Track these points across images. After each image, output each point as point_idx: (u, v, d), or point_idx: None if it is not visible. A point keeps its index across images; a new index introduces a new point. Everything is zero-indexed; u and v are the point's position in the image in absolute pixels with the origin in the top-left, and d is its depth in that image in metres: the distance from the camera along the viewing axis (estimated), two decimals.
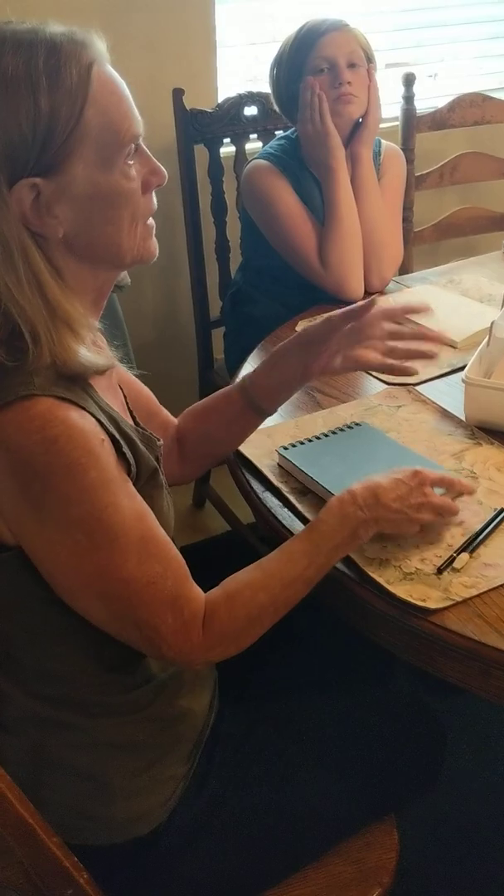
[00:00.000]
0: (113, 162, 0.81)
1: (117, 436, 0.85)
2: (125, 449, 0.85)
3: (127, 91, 0.83)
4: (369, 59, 1.66)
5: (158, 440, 0.97)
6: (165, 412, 1.18)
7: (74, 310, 0.82)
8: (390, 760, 1.07)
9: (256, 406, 1.11)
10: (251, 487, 1.16)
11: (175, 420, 1.18)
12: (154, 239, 0.90)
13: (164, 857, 0.96)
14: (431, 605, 0.92)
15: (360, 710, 1.10)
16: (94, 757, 0.94)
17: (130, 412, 1.01)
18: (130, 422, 0.95)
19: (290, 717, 1.07)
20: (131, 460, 0.87)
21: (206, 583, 1.08)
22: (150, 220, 0.89)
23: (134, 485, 0.87)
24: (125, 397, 1.02)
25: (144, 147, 0.85)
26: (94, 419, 0.81)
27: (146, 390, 1.15)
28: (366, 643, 1.10)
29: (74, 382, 0.82)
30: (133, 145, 0.83)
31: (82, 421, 0.79)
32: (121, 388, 1.02)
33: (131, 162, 0.83)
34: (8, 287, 0.78)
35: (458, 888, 1.41)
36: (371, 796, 1.05)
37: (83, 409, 0.80)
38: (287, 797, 1.00)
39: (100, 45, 0.81)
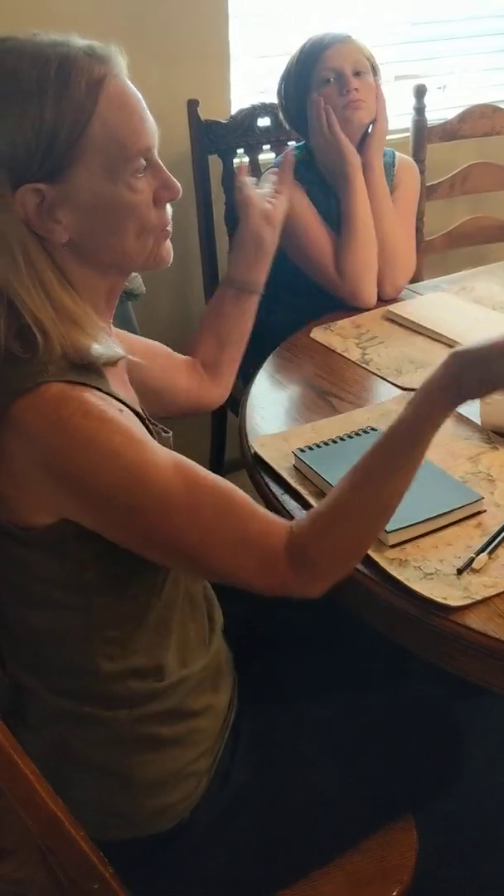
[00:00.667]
0: (118, 174, 0.84)
1: (133, 409, 0.87)
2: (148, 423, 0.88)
3: (141, 106, 0.85)
4: (374, 69, 1.68)
5: (167, 432, 1.00)
6: (178, 357, 1.24)
7: (79, 308, 0.85)
8: (408, 760, 1.08)
9: (246, 286, 1.24)
10: (269, 490, 1.17)
11: (190, 358, 1.25)
12: (168, 245, 0.93)
13: (187, 851, 0.97)
14: (452, 602, 0.93)
15: (377, 710, 1.11)
16: (117, 752, 0.95)
17: (143, 412, 1.03)
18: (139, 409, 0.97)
19: (308, 717, 1.08)
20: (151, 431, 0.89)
21: (221, 590, 1.10)
22: (168, 229, 0.91)
23: None
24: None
25: (159, 161, 0.88)
26: (109, 396, 0.83)
27: (156, 346, 1.21)
28: (383, 644, 1.11)
29: (88, 372, 0.84)
30: (142, 159, 0.85)
31: (96, 398, 0.81)
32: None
33: (140, 175, 0.86)
34: (13, 285, 0.81)
35: (473, 890, 1.42)
36: (389, 795, 1.06)
37: (97, 388, 0.82)
38: (308, 795, 1.01)
39: (118, 60, 0.84)
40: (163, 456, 0.84)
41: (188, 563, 0.88)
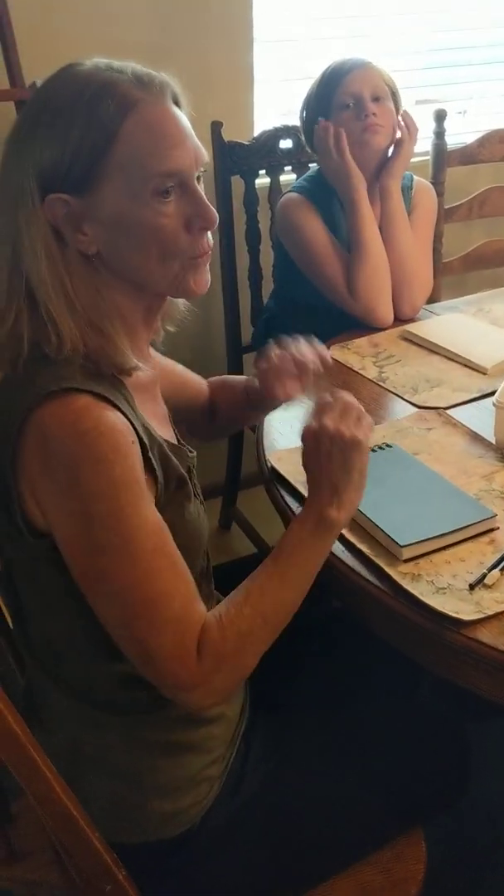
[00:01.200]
0: (140, 195, 0.86)
1: (145, 440, 0.88)
2: (151, 455, 0.89)
3: (178, 133, 0.87)
4: (394, 95, 1.71)
5: (191, 452, 1.02)
6: (197, 380, 1.30)
7: (104, 317, 0.88)
8: (418, 774, 1.09)
9: (253, 404, 1.26)
10: (286, 503, 1.19)
11: (205, 387, 1.31)
12: (202, 275, 0.93)
13: (197, 857, 0.98)
14: (464, 617, 0.94)
15: (387, 723, 1.12)
16: (130, 757, 0.97)
17: (173, 426, 1.05)
18: (171, 433, 1.00)
19: (319, 729, 1.10)
20: (157, 468, 0.90)
21: None
22: (203, 259, 0.91)
23: (163, 493, 0.91)
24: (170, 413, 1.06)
25: (197, 188, 0.89)
26: (126, 420, 0.85)
27: (175, 366, 1.25)
28: (393, 658, 1.13)
29: (113, 385, 0.87)
30: (168, 183, 0.86)
31: (115, 419, 0.83)
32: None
33: (167, 199, 0.87)
34: (37, 285, 0.85)
35: None
36: (399, 808, 1.07)
37: (118, 409, 0.85)
38: (318, 805, 1.03)
39: (164, 89, 0.87)
40: (148, 510, 0.85)
41: (119, 616, 0.86)
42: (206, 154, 0.90)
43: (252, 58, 2.11)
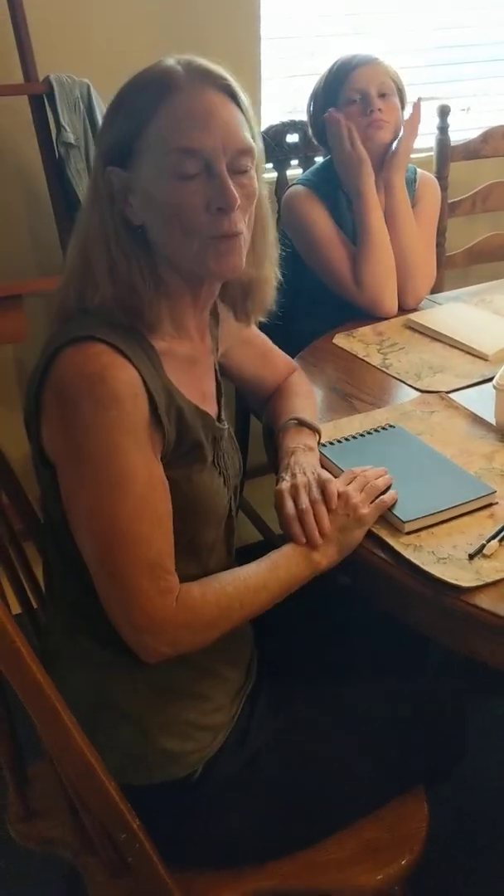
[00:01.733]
0: (164, 172, 0.92)
1: (161, 399, 0.94)
2: (162, 413, 0.94)
3: (205, 117, 0.92)
4: (400, 91, 1.76)
5: (221, 424, 1.08)
6: (280, 363, 1.39)
7: (136, 279, 0.96)
8: (418, 736, 1.14)
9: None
10: None
11: (283, 376, 1.38)
12: (227, 258, 0.97)
13: (202, 805, 1.03)
14: (464, 584, 0.99)
15: (388, 692, 1.17)
16: (135, 697, 1.02)
17: (218, 403, 1.12)
18: (213, 408, 1.07)
19: (323, 694, 1.14)
20: (168, 426, 0.95)
21: None
22: (226, 240, 0.95)
23: (170, 451, 0.96)
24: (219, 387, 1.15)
25: (223, 171, 0.93)
26: (138, 375, 0.91)
27: (264, 342, 1.35)
28: (397, 630, 1.18)
29: (139, 345, 0.95)
30: (191, 162, 0.91)
31: (122, 371, 0.90)
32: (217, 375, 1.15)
33: (190, 178, 0.92)
34: (89, 246, 0.96)
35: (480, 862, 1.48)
36: (402, 767, 1.11)
37: (132, 364, 0.91)
38: (323, 763, 1.07)
39: (209, 77, 0.94)
40: (142, 459, 0.91)
41: (100, 554, 0.92)
42: (243, 141, 0.94)
43: (259, 54, 2.16)
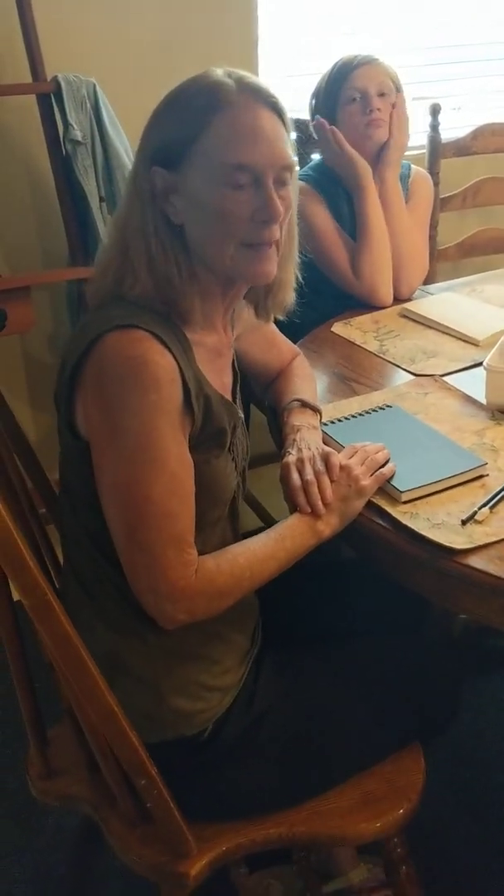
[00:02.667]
0: (215, 180, 1.00)
1: (192, 385, 1.01)
2: (193, 399, 1.01)
3: (257, 135, 1.00)
4: (398, 89, 1.83)
5: (240, 413, 1.15)
6: (284, 349, 1.45)
7: (173, 273, 1.03)
8: (416, 696, 1.21)
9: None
10: None
11: (287, 361, 1.44)
12: (260, 265, 1.05)
13: (212, 762, 1.09)
14: (457, 546, 1.06)
15: (388, 654, 1.24)
16: (147, 659, 1.08)
17: (233, 393, 1.19)
18: (227, 395, 1.13)
19: (326, 657, 1.21)
20: (197, 411, 1.02)
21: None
22: (263, 248, 1.03)
23: (197, 435, 1.03)
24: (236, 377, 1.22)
25: (269, 185, 1.01)
26: (175, 362, 0.98)
27: (273, 330, 1.41)
28: (392, 596, 1.25)
29: (175, 334, 1.02)
30: (242, 175, 0.99)
31: (161, 356, 0.97)
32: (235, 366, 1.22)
33: (239, 189, 1.00)
34: (129, 241, 1.03)
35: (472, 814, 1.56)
36: (398, 724, 1.18)
37: (170, 351, 0.98)
38: (327, 719, 1.14)
39: (260, 97, 1.01)
40: (174, 441, 0.99)
41: (130, 524, 0.98)
42: (287, 158, 1.03)
43: (257, 54, 2.23)
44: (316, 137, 1.94)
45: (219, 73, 1.02)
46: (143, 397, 0.95)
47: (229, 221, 1.01)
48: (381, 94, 1.78)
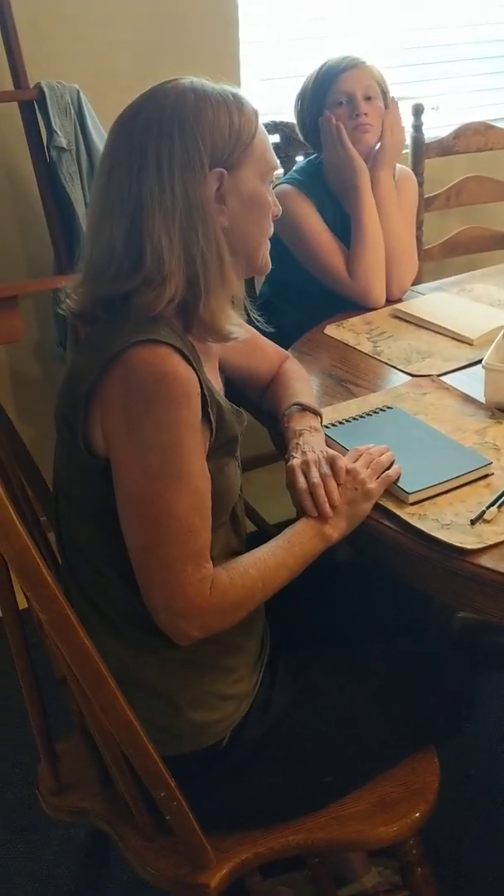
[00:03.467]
0: (265, 178, 1.09)
1: (207, 398, 1.00)
2: (210, 410, 1.00)
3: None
4: (384, 92, 1.84)
5: (245, 420, 1.15)
6: (271, 352, 1.45)
7: (211, 277, 1.04)
8: (428, 697, 1.21)
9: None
10: None
11: (277, 364, 1.44)
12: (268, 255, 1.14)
13: (230, 771, 1.09)
14: (469, 546, 1.06)
15: (397, 659, 1.24)
16: (162, 674, 1.07)
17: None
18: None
19: (337, 662, 1.21)
20: (213, 421, 1.02)
21: (249, 545, 1.22)
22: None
23: (213, 444, 1.02)
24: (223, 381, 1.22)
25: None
26: (196, 375, 0.98)
27: (253, 332, 1.38)
28: (396, 598, 1.25)
29: (187, 346, 1.01)
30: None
31: (188, 371, 0.96)
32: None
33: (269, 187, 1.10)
34: (165, 245, 0.99)
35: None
36: (412, 728, 1.18)
37: (191, 365, 0.97)
38: (343, 724, 1.14)
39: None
40: (198, 456, 0.98)
41: (152, 539, 0.97)
42: None
43: (239, 57, 2.23)
44: (301, 137, 1.94)
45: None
46: (175, 413, 0.95)
47: (269, 216, 1.11)
48: (368, 98, 1.79)
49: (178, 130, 0.99)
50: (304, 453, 1.19)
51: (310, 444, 1.21)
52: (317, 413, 1.33)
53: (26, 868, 1.57)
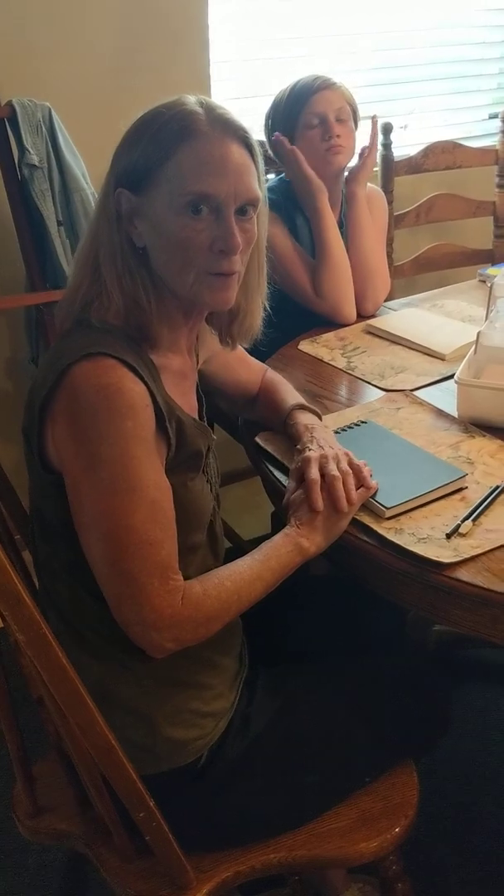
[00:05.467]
0: (176, 207, 1.00)
1: (164, 410, 1.00)
2: (168, 424, 1.01)
3: (222, 166, 1.00)
4: (355, 113, 1.86)
5: (214, 436, 1.15)
6: (254, 367, 1.45)
7: (141, 295, 1.03)
8: (406, 712, 1.21)
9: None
10: (275, 477, 1.30)
11: (259, 377, 1.44)
12: (220, 292, 1.05)
13: (209, 790, 1.08)
14: (445, 559, 1.07)
15: (375, 673, 1.24)
16: (138, 691, 1.06)
17: (200, 413, 1.18)
18: (194, 416, 1.12)
19: (315, 677, 1.21)
20: (172, 436, 1.02)
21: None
22: (222, 277, 1.03)
23: (172, 458, 1.03)
24: (201, 399, 1.21)
25: (230, 216, 1.01)
26: (146, 388, 0.97)
27: (235, 353, 1.38)
28: (373, 611, 1.25)
29: (143, 361, 1.01)
30: (203, 206, 0.99)
31: (134, 383, 0.96)
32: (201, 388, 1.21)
33: (198, 216, 1.00)
34: (101, 261, 1.03)
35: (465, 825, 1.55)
36: (391, 742, 1.18)
37: (141, 378, 0.97)
38: (322, 740, 1.14)
39: (232, 130, 1.01)
40: (152, 467, 0.97)
41: (113, 555, 0.96)
42: (252, 192, 1.02)
43: (209, 77, 2.25)
44: (272, 155, 1.96)
45: (191, 100, 1.02)
46: (120, 425, 0.94)
47: (188, 249, 1.01)
48: (340, 120, 1.80)
49: (118, 144, 1.05)
50: (320, 447, 1.20)
51: (326, 441, 1.23)
52: (317, 414, 1.35)
53: (2, 893, 1.55)
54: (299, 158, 1.80)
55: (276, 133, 1.82)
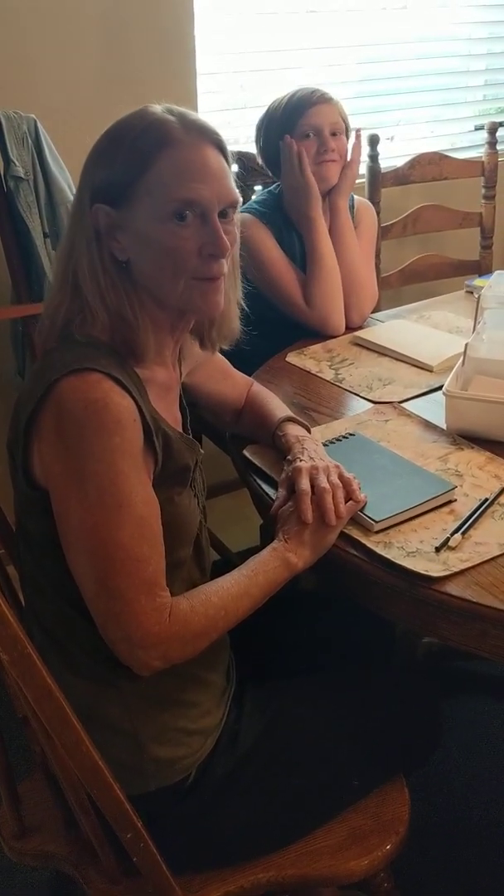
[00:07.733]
0: (162, 217, 0.99)
1: (151, 424, 0.99)
2: (155, 439, 1.00)
3: (203, 171, 1.00)
4: (347, 128, 1.87)
5: (201, 450, 1.14)
6: (239, 380, 1.44)
7: (126, 310, 1.02)
8: (397, 727, 1.20)
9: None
10: (263, 490, 1.29)
11: (245, 390, 1.42)
12: (211, 297, 1.04)
13: (197, 808, 1.06)
14: (434, 573, 1.06)
15: (364, 688, 1.23)
16: (125, 709, 1.05)
17: (184, 426, 1.17)
18: (179, 429, 1.11)
19: (306, 691, 1.20)
20: (158, 450, 1.01)
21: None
22: (211, 281, 1.03)
23: (159, 473, 1.02)
24: (186, 413, 1.20)
25: (216, 220, 1.01)
26: (133, 402, 0.97)
27: (220, 360, 1.39)
28: (362, 625, 1.24)
29: (129, 375, 1.00)
30: (189, 212, 0.99)
31: (121, 398, 0.95)
32: (183, 404, 1.20)
33: (184, 223, 0.99)
34: (81, 279, 1.01)
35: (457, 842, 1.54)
36: (381, 758, 1.17)
37: (128, 392, 0.96)
38: (311, 757, 1.12)
39: (208, 136, 1.01)
40: (139, 483, 0.96)
41: (100, 571, 0.95)
42: (233, 195, 1.02)
43: (196, 89, 2.25)
44: (262, 163, 1.95)
45: (159, 109, 1.02)
46: (107, 441, 0.93)
47: (177, 257, 1.01)
48: (334, 134, 1.81)
49: (87, 159, 1.03)
50: (311, 459, 1.19)
51: (317, 453, 1.22)
52: (306, 427, 1.35)
53: None
54: (304, 162, 1.80)
55: (286, 136, 1.82)
